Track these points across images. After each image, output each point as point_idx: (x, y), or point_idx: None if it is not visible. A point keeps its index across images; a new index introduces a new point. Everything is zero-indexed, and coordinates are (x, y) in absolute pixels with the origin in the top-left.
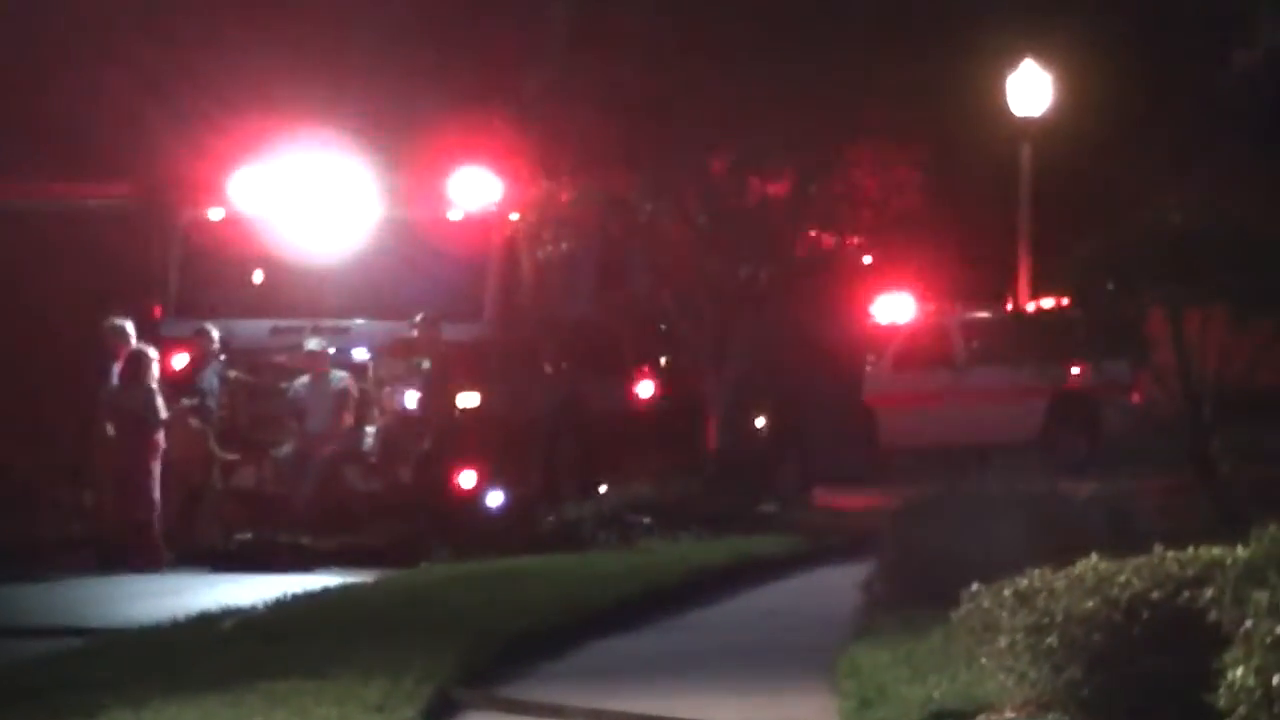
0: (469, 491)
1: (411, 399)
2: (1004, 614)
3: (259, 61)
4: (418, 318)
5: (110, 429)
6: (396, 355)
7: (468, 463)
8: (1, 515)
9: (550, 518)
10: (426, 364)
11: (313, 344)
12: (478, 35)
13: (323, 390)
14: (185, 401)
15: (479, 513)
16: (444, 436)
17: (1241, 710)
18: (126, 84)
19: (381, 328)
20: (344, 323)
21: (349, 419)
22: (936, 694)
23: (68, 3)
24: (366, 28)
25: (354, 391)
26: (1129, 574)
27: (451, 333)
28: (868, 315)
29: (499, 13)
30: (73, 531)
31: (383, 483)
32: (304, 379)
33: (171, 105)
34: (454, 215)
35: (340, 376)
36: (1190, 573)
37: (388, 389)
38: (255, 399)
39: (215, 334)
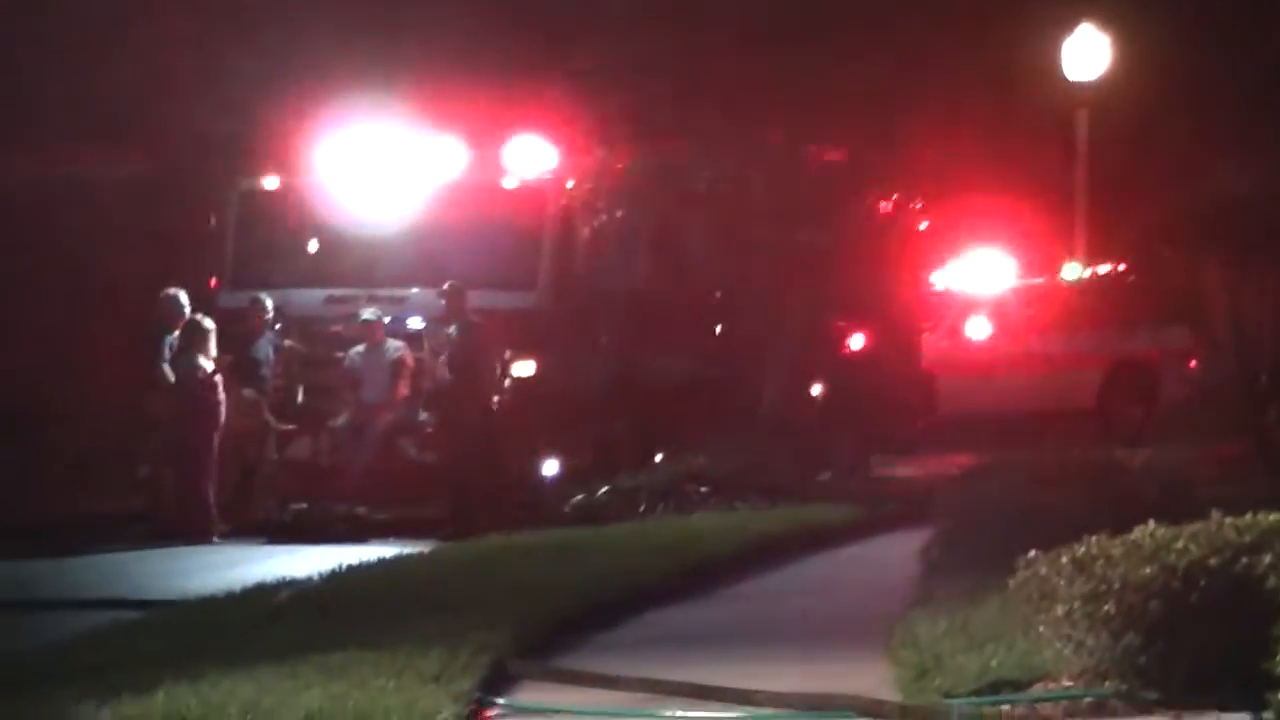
0: (524, 462)
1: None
2: (1061, 581)
3: (314, 29)
4: (445, 286)
5: (166, 401)
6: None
7: (522, 433)
8: (59, 489)
9: (604, 489)
10: (453, 331)
11: (368, 313)
12: (534, 2)
13: (378, 360)
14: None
15: (534, 483)
16: (470, 406)
17: None
18: (182, 54)
19: (437, 297)
20: (399, 292)
21: (405, 389)
22: (993, 663)
23: None
24: None
25: (409, 361)
26: (1186, 541)
27: (506, 301)
28: (925, 282)
29: None
30: (129, 505)
31: (438, 453)
32: (359, 348)
33: (227, 75)
34: (509, 184)
35: (396, 346)
36: (1248, 539)
37: (442, 358)
38: (310, 369)
39: (269, 304)
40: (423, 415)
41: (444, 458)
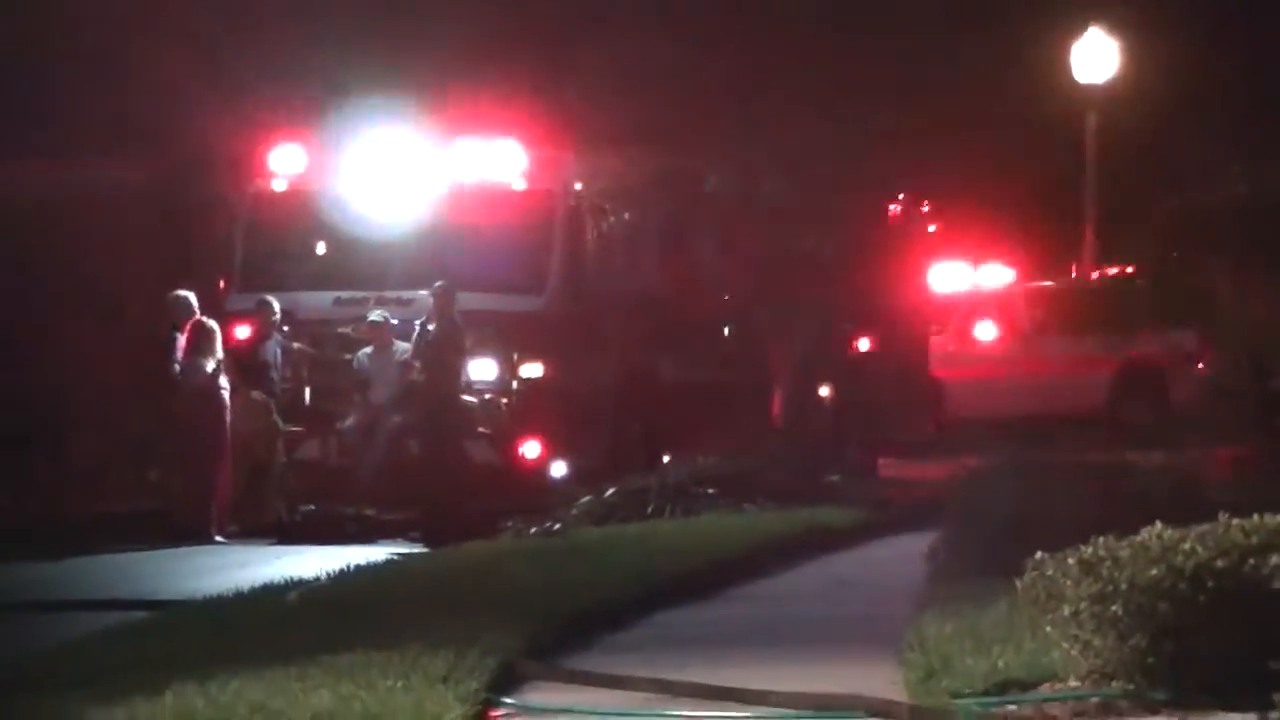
0: (532, 463)
1: (476, 370)
2: (1068, 583)
3: (325, 33)
4: (435, 285)
5: (175, 403)
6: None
7: (529, 435)
8: (71, 491)
9: (612, 489)
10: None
11: (376, 315)
12: (544, 6)
13: (386, 362)
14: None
15: (543, 484)
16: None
17: None
18: (192, 58)
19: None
20: (407, 294)
21: (415, 390)
22: (1001, 664)
23: None
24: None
25: (418, 364)
26: (1194, 542)
27: (514, 304)
28: (933, 285)
29: None
30: (141, 506)
31: (449, 455)
32: (367, 350)
33: (237, 78)
34: (517, 187)
35: (404, 348)
36: (1255, 541)
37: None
38: (319, 371)
39: (276, 306)
40: (395, 417)
41: (414, 458)
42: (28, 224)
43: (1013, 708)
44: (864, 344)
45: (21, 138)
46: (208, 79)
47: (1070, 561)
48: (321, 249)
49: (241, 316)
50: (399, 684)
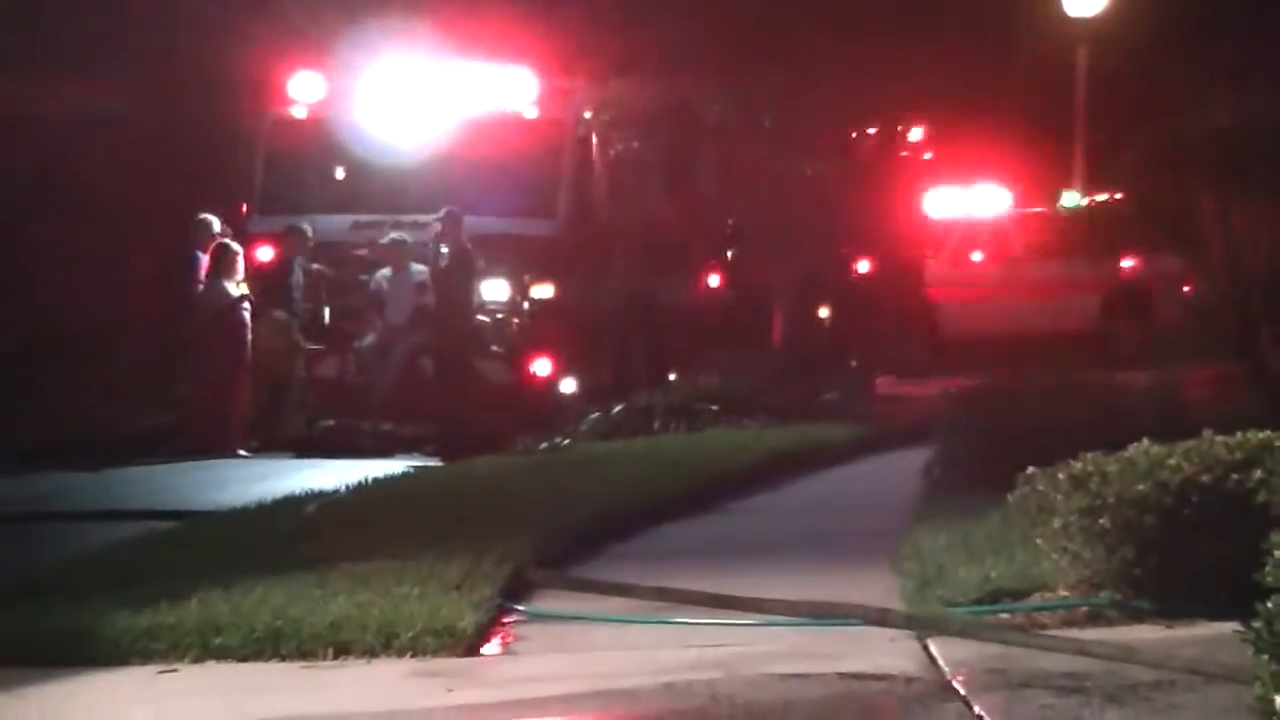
0: (542, 381)
1: (488, 291)
2: (1058, 497)
3: None
4: (442, 211)
5: (196, 322)
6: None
7: (541, 353)
8: (98, 407)
9: (619, 407)
10: (445, 253)
11: (392, 237)
12: None
13: (403, 282)
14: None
15: (552, 401)
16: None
17: None
18: None
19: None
20: (423, 218)
21: (428, 311)
22: (993, 574)
23: None
24: None
25: (429, 284)
26: (1179, 458)
27: (526, 229)
28: (928, 210)
29: None
30: (165, 421)
31: (462, 373)
32: (384, 272)
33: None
34: (529, 115)
35: (419, 270)
36: (1238, 456)
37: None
38: (338, 291)
39: (309, 230)
40: (411, 336)
41: (429, 387)
42: (48, 150)
43: (1004, 615)
44: (862, 267)
45: (41, 66)
46: (228, 5)
47: (1060, 477)
48: (340, 174)
49: (265, 238)
50: (415, 591)
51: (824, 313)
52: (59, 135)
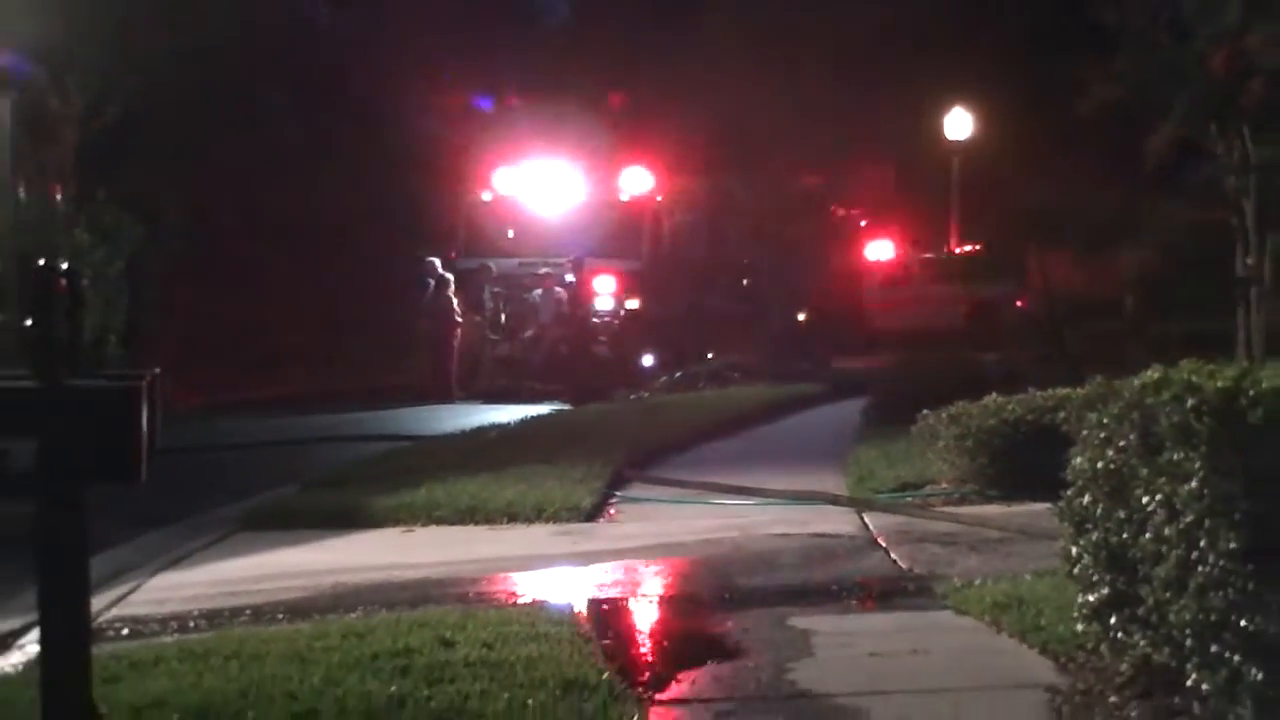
0: (631, 359)
1: (600, 304)
2: (941, 428)
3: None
4: (572, 255)
5: (426, 321)
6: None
7: (630, 342)
8: (361, 370)
9: (678, 374)
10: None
11: (543, 271)
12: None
13: (549, 298)
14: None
15: (637, 372)
16: (605, 327)
17: (1079, 483)
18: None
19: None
20: (561, 259)
21: (564, 315)
22: (902, 473)
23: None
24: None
25: (564, 299)
26: (1015, 405)
27: (624, 265)
28: (865, 254)
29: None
30: (404, 380)
31: (583, 353)
32: (538, 292)
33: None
34: (624, 197)
35: (559, 290)
36: (1051, 404)
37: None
38: (510, 304)
39: (493, 266)
40: (553, 331)
41: (564, 362)
42: (336, 228)
43: (909, 499)
44: (824, 290)
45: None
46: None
47: (943, 415)
48: (510, 233)
49: (467, 272)
50: (555, 483)
51: (801, 316)
52: (343, 220)
